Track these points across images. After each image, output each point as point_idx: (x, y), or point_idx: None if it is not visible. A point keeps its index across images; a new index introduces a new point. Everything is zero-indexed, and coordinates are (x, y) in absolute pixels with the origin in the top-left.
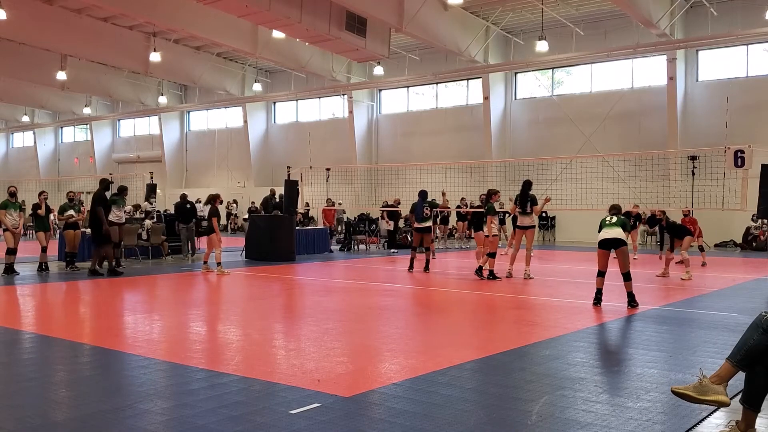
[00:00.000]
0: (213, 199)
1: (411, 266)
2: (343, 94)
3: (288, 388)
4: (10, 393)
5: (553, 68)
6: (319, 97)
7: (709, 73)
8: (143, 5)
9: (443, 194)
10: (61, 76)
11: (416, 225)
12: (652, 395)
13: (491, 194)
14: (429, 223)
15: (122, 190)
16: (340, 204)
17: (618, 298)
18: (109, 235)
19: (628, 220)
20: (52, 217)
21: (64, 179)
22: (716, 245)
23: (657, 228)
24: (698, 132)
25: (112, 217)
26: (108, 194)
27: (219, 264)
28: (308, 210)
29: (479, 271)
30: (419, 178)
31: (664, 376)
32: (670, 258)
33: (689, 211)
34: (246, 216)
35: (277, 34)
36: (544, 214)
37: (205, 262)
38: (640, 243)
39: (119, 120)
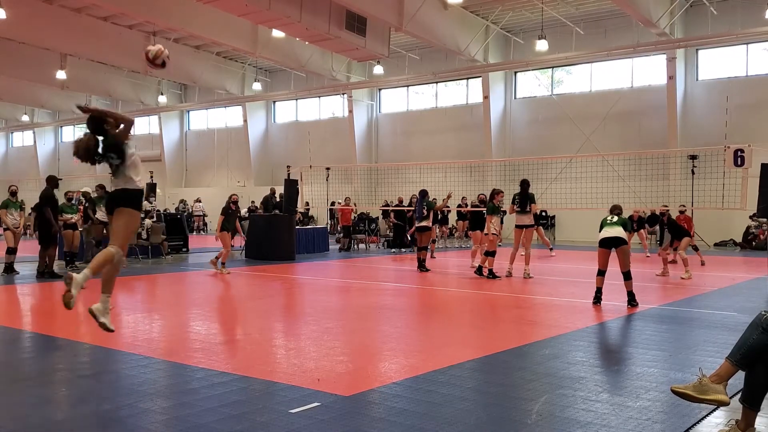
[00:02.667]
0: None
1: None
2: (343, 94)
3: (288, 387)
4: (9, 392)
5: (552, 67)
6: (319, 97)
7: (708, 73)
8: (143, 4)
9: (449, 196)
10: (61, 75)
11: (416, 224)
12: (652, 394)
13: (494, 194)
14: (425, 223)
15: (101, 188)
16: (339, 203)
17: (618, 297)
18: (56, 236)
19: (631, 221)
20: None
21: (64, 179)
22: (716, 244)
23: (657, 226)
24: (698, 131)
25: (99, 216)
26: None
27: (223, 264)
28: (308, 209)
29: (479, 270)
30: (419, 177)
31: (664, 375)
32: (667, 256)
33: (685, 208)
34: (244, 212)
35: (277, 33)
36: (543, 213)
37: (217, 259)
38: (639, 242)
39: None
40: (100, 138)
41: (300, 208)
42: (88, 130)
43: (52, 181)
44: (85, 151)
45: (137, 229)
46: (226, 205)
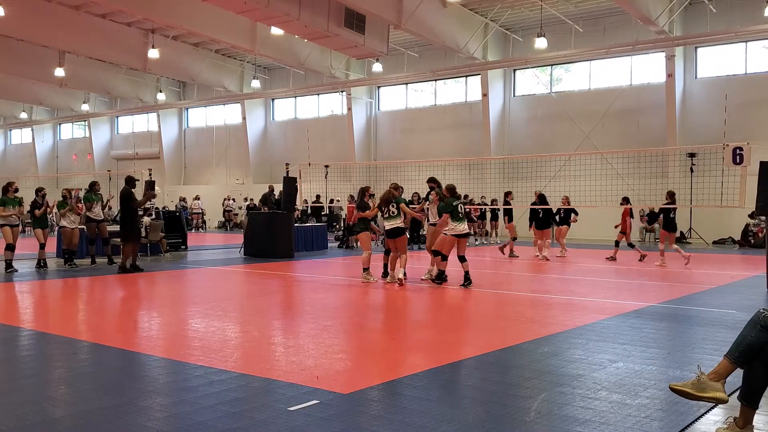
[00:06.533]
0: (363, 193)
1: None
2: (342, 91)
3: (287, 384)
4: (8, 390)
5: (551, 65)
6: (318, 94)
7: (707, 70)
8: (141, 1)
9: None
10: (60, 72)
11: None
12: (651, 392)
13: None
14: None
15: (92, 185)
16: (338, 201)
17: (617, 295)
18: (138, 232)
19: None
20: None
21: (63, 176)
22: (714, 242)
23: (656, 225)
24: (697, 129)
25: (89, 214)
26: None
27: (366, 269)
28: (307, 207)
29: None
30: (418, 175)
31: (663, 373)
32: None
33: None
34: (243, 210)
35: (276, 31)
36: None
37: (366, 269)
38: (639, 240)
39: (117, 117)
40: None
41: (299, 206)
42: None
43: (131, 181)
44: None
45: None
46: (360, 201)
